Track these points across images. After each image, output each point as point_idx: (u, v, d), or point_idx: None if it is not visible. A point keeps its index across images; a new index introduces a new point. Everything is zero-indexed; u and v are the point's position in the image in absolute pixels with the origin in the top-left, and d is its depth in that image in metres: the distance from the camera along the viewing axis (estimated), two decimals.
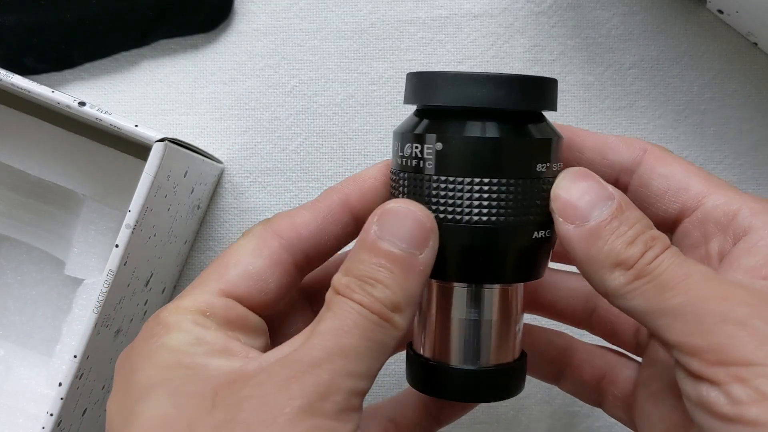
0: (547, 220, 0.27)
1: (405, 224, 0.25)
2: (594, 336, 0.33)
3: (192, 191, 0.37)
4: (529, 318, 0.34)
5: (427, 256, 0.25)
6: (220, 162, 0.41)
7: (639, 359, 0.32)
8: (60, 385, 0.32)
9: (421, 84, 0.27)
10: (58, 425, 0.32)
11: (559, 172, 0.27)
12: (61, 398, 0.32)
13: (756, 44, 0.41)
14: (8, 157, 0.38)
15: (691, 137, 0.41)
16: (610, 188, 0.26)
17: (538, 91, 0.27)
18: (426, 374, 0.28)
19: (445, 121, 0.26)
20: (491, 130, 0.26)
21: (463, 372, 0.28)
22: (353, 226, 0.29)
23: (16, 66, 0.40)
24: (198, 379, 0.24)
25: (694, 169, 0.28)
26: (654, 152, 0.29)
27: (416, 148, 0.26)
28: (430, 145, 0.26)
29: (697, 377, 0.23)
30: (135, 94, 0.41)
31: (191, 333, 0.25)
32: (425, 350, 0.28)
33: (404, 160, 0.27)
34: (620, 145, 0.29)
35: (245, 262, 0.27)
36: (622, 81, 0.41)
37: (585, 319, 0.33)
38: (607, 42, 0.41)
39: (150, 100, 0.41)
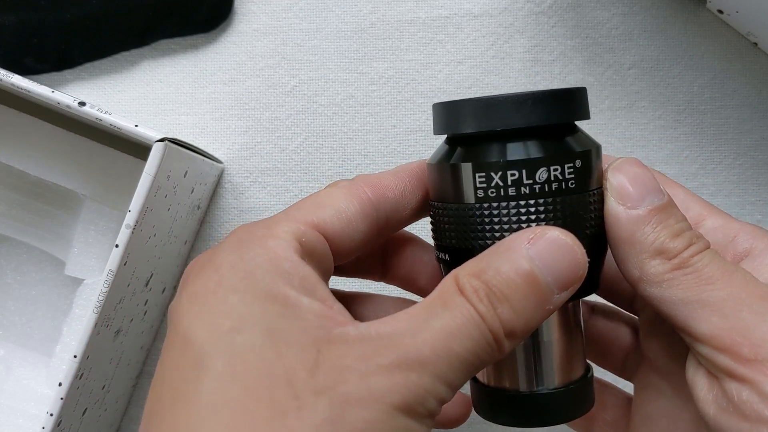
0: (599, 233, 0.26)
1: (563, 259, 0.24)
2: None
3: (192, 191, 0.37)
4: None
5: (562, 298, 0.24)
6: (220, 162, 0.41)
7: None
8: (60, 385, 0.32)
9: (448, 113, 0.26)
10: (58, 425, 0.32)
11: (601, 181, 0.27)
12: (61, 398, 0.32)
13: (756, 44, 0.41)
14: (8, 157, 0.38)
15: (691, 137, 0.41)
16: (661, 185, 0.26)
17: (567, 104, 0.26)
18: (495, 402, 0.28)
19: (479, 147, 0.25)
20: (527, 151, 0.25)
21: (532, 396, 0.27)
22: (423, 204, 0.29)
23: (16, 66, 0.40)
24: (297, 324, 0.23)
25: (694, 194, 0.29)
26: (657, 175, 0.29)
27: (456, 178, 0.26)
28: (469, 174, 0.25)
29: (727, 374, 0.23)
30: (135, 94, 0.41)
31: (289, 260, 0.24)
32: (492, 379, 0.28)
33: (445, 191, 0.26)
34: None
35: (338, 204, 0.26)
36: (622, 81, 0.41)
37: None
38: (607, 42, 0.41)
39: (150, 100, 0.41)
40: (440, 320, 0.23)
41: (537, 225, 0.25)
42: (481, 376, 0.28)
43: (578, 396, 0.27)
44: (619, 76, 0.41)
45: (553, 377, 0.27)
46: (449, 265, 0.26)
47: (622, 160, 0.27)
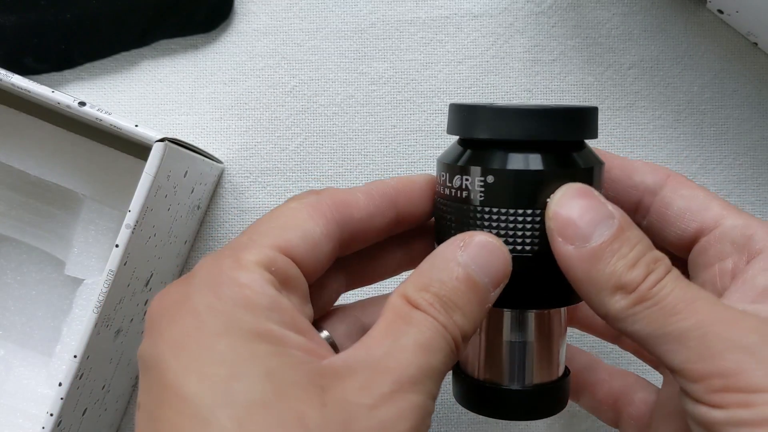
0: None
1: (493, 260, 0.25)
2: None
3: (192, 191, 0.37)
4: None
5: (495, 295, 0.26)
6: (220, 162, 0.41)
7: (658, 381, 0.32)
8: (60, 385, 0.32)
9: (465, 116, 0.27)
10: (58, 425, 0.32)
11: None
12: (61, 398, 0.32)
13: (756, 44, 0.41)
14: (8, 157, 0.38)
15: (691, 137, 0.41)
16: (610, 206, 0.25)
17: (578, 122, 0.27)
18: (476, 394, 0.29)
19: (490, 153, 0.27)
20: (534, 163, 0.26)
21: (510, 392, 0.28)
22: (394, 224, 0.29)
23: (16, 66, 0.40)
24: (288, 363, 0.22)
25: (714, 195, 0.29)
26: (678, 177, 0.29)
27: (464, 179, 0.27)
28: (477, 178, 0.26)
29: (702, 403, 0.23)
30: (135, 94, 0.41)
31: (266, 296, 0.23)
32: (476, 371, 0.29)
33: (452, 190, 0.27)
34: (645, 168, 0.30)
35: (304, 225, 0.26)
36: (622, 81, 0.41)
37: (613, 335, 0.34)
38: (607, 42, 0.41)
39: (150, 100, 0.41)
40: (411, 337, 0.23)
41: (541, 232, 0.26)
42: (470, 368, 0.29)
43: (547, 396, 0.29)
44: (619, 76, 0.41)
45: (531, 376, 0.28)
46: None
47: (561, 192, 0.26)
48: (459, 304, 0.24)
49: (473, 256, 0.25)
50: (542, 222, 0.26)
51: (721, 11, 0.40)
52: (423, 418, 0.23)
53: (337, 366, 0.23)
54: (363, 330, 0.29)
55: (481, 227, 0.26)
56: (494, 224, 0.26)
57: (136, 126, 0.32)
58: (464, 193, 0.27)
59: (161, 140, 0.32)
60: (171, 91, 0.41)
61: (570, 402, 0.40)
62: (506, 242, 0.26)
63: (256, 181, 0.41)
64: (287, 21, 0.41)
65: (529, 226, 0.26)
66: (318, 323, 0.29)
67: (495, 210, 0.26)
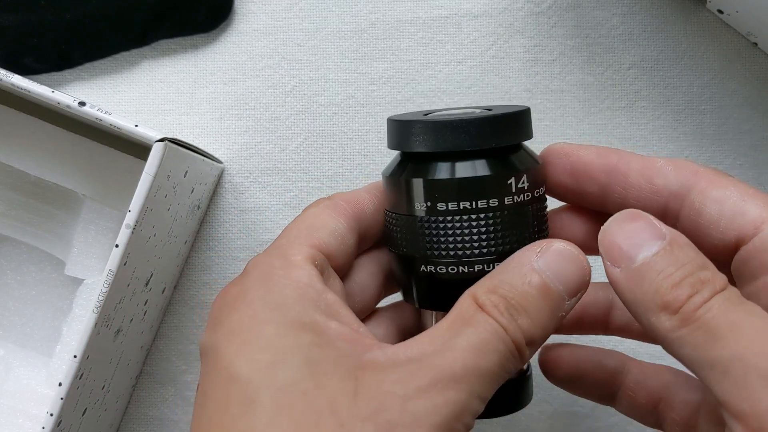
0: (546, 234, 0.28)
1: (570, 268, 0.25)
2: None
3: (192, 191, 0.37)
4: (582, 338, 0.35)
5: (572, 304, 0.25)
6: (220, 162, 0.41)
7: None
8: (60, 385, 0.32)
9: (399, 132, 0.28)
10: (58, 425, 0.32)
11: (542, 197, 0.28)
12: (61, 398, 0.32)
13: (756, 44, 0.41)
14: (8, 157, 0.38)
15: (691, 137, 0.41)
16: (663, 228, 0.24)
17: (511, 127, 0.28)
18: None
19: (427, 165, 0.27)
20: (471, 170, 0.27)
21: None
22: None
23: (16, 66, 0.40)
24: (330, 353, 0.24)
25: (751, 191, 0.26)
26: (706, 175, 0.27)
27: (405, 191, 0.28)
28: (417, 189, 0.27)
29: None
30: (135, 94, 0.41)
31: (314, 289, 0.25)
32: None
33: (396, 202, 0.28)
34: (668, 168, 0.27)
35: (329, 224, 0.28)
36: (622, 81, 0.41)
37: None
38: (607, 42, 0.41)
39: (150, 100, 0.41)
40: (466, 338, 0.24)
41: (487, 235, 0.26)
42: None
43: (514, 392, 0.29)
44: (619, 76, 0.41)
45: None
46: (400, 268, 0.29)
47: (613, 218, 0.25)
48: (527, 309, 0.24)
49: (549, 262, 0.25)
50: (493, 224, 0.26)
51: (721, 11, 0.40)
52: (458, 415, 0.23)
53: (380, 360, 0.24)
54: (401, 330, 0.31)
55: (429, 237, 0.27)
56: (442, 232, 0.27)
57: (136, 126, 0.32)
58: (410, 206, 0.27)
59: (161, 140, 0.32)
60: (171, 91, 0.41)
61: (570, 402, 0.40)
62: (456, 249, 0.27)
63: (256, 181, 0.41)
64: (287, 21, 0.41)
65: (475, 229, 0.26)
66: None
67: (441, 219, 0.27)
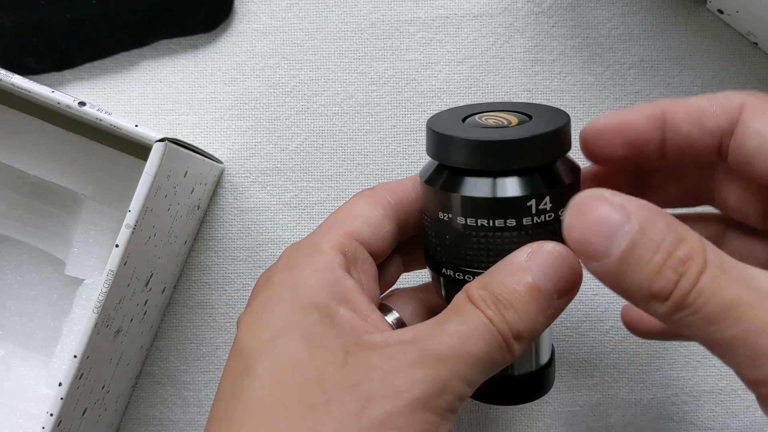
0: None
1: (559, 268, 0.26)
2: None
3: (192, 191, 0.37)
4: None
5: (562, 304, 0.26)
6: (220, 162, 0.41)
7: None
8: (60, 385, 0.32)
9: (437, 143, 0.28)
10: (58, 425, 0.32)
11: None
12: (61, 398, 0.32)
13: (756, 44, 0.41)
14: (8, 157, 0.38)
15: None
16: (627, 204, 0.23)
17: (552, 144, 0.27)
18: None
19: (462, 179, 0.27)
20: (512, 189, 0.27)
21: (494, 380, 0.28)
22: None
23: (16, 66, 0.40)
24: (330, 331, 0.26)
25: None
26: (751, 106, 0.26)
27: (438, 199, 0.28)
28: (448, 200, 0.28)
29: (763, 405, 0.23)
30: (135, 94, 0.41)
31: (332, 274, 0.27)
32: None
33: (429, 205, 0.29)
34: (714, 107, 0.27)
35: (365, 212, 0.30)
36: (622, 81, 0.41)
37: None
38: (607, 42, 0.41)
39: (150, 100, 0.41)
40: (455, 325, 0.25)
41: (510, 248, 0.27)
42: None
43: (529, 384, 0.31)
44: (619, 76, 0.41)
45: (513, 369, 0.30)
46: (429, 263, 0.30)
47: (569, 211, 0.24)
48: (514, 305, 0.25)
49: (539, 262, 0.26)
50: (523, 238, 0.27)
51: (721, 11, 0.40)
52: (439, 392, 0.24)
53: (376, 340, 0.25)
54: (429, 310, 0.32)
55: (465, 249, 0.27)
56: (474, 246, 0.27)
57: (136, 126, 0.32)
58: (445, 215, 0.28)
59: (161, 140, 0.32)
60: (171, 91, 0.41)
61: (569, 402, 0.40)
62: (490, 261, 0.27)
63: (256, 181, 0.41)
64: (287, 21, 0.41)
65: (507, 246, 0.27)
66: (387, 304, 0.32)
67: (474, 234, 0.27)
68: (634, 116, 0.28)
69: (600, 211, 0.23)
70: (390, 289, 0.33)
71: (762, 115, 0.26)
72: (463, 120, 0.29)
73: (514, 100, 0.41)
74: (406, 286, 0.34)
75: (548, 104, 0.32)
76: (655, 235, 0.23)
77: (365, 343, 0.25)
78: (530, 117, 0.28)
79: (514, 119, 0.28)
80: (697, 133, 0.27)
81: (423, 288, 0.33)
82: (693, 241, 0.23)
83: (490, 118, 0.28)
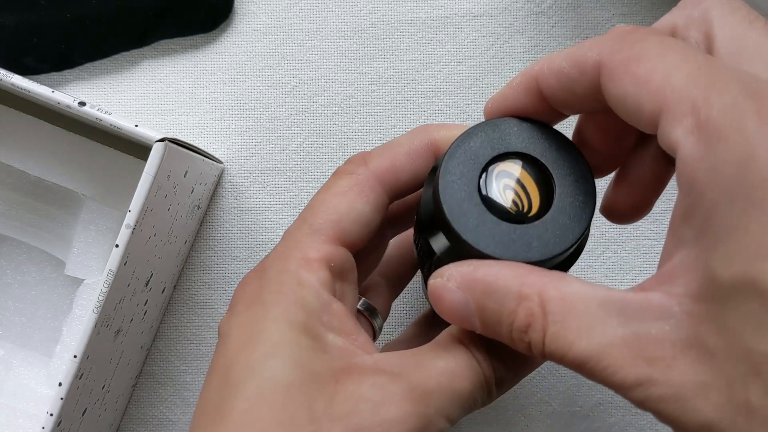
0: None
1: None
2: None
3: (192, 191, 0.37)
4: None
5: (538, 361, 0.27)
6: (220, 162, 0.41)
7: None
8: (60, 385, 0.32)
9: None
10: (58, 425, 0.32)
11: None
12: (61, 398, 0.32)
13: None
14: (8, 157, 0.38)
15: None
16: (459, 283, 0.24)
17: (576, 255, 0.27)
18: None
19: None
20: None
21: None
22: (431, 168, 0.29)
23: (16, 66, 0.40)
24: (321, 357, 0.26)
25: (650, 73, 0.21)
26: (606, 66, 0.23)
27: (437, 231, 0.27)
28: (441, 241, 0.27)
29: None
30: (135, 94, 0.41)
31: (321, 298, 0.27)
32: None
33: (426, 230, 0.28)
34: (574, 72, 0.24)
35: (355, 207, 0.28)
36: None
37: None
38: None
39: (150, 100, 0.41)
40: (445, 362, 0.25)
41: None
42: None
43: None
44: None
45: None
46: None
47: (430, 298, 0.26)
48: (502, 353, 0.26)
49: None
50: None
51: None
52: (424, 427, 0.24)
53: (364, 364, 0.25)
54: (390, 284, 0.33)
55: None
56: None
57: (136, 126, 0.32)
58: (429, 236, 0.27)
59: (161, 140, 0.32)
60: (171, 91, 0.41)
61: (569, 402, 0.40)
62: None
63: (256, 181, 0.41)
64: (287, 21, 0.41)
65: None
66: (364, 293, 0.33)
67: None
68: (510, 94, 0.26)
69: (446, 301, 0.25)
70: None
71: (617, 76, 0.22)
72: (480, 176, 0.26)
73: None
74: None
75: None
76: (491, 311, 0.24)
77: (355, 368, 0.25)
78: (551, 181, 0.26)
79: (534, 195, 0.26)
80: (572, 98, 0.25)
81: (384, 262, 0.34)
82: (529, 301, 0.23)
83: (508, 188, 0.26)
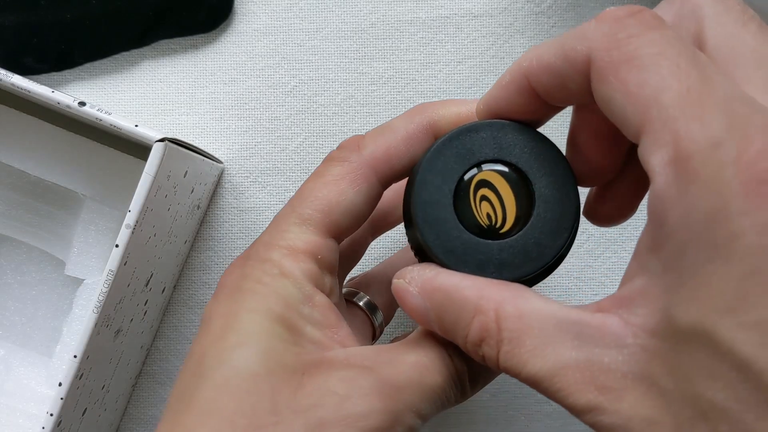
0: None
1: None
2: None
3: (192, 191, 0.37)
4: None
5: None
6: (220, 162, 0.41)
7: None
8: (60, 385, 0.32)
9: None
10: (58, 425, 0.32)
11: None
12: (61, 398, 0.32)
13: None
14: (8, 157, 0.38)
15: None
16: (421, 289, 0.25)
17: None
18: None
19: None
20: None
21: None
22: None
23: (16, 66, 0.40)
24: (292, 349, 0.25)
25: (636, 86, 0.21)
26: (595, 63, 0.22)
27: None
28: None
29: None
30: (135, 94, 0.41)
31: (303, 290, 0.26)
32: None
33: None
34: (565, 67, 0.23)
35: (346, 197, 0.27)
36: None
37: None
38: None
39: (150, 100, 0.41)
40: (417, 357, 0.25)
41: None
42: None
43: None
44: None
45: None
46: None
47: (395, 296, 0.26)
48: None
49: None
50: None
51: None
52: (391, 424, 0.24)
53: (338, 356, 0.25)
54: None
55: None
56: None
57: (136, 126, 0.32)
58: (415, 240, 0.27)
59: (161, 140, 0.32)
60: (171, 91, 0.41)
61: None
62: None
63: (256, 181, 0.41)
64: (287, 21, 0.41)
65: None
66: (355, 289, 0.32)
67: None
68: (502, 94, 0.26)
69: (407, 304, 0.25)
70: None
71: (606, 78, 0.21)
72: (457, 184, 0.25)
73: None
74: None
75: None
76: (448, 321, 0.24)
77: (325, 361, 0.25)
78: (532, 194, 0.25)
79: (511, 209, 0.25)
80: (566, 93, 0.24)
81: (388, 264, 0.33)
82: (485, 316, 0.23)
83: (484, 199, 0.25)
